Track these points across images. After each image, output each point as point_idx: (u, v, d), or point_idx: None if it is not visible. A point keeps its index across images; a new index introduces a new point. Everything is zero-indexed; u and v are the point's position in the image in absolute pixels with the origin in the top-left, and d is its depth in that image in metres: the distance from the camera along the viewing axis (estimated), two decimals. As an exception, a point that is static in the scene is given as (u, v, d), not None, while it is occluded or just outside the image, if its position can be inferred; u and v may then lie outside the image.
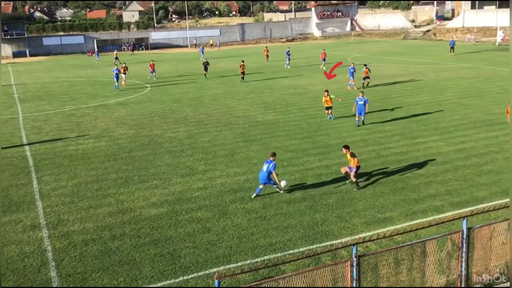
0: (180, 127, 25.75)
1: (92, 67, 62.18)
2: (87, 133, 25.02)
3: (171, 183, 17.07)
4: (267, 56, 58.47)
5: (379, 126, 24.10)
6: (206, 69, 45.07)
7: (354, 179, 15.88)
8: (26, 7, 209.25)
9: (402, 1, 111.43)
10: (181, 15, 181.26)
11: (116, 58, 63.70)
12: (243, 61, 43.22)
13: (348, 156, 16.09)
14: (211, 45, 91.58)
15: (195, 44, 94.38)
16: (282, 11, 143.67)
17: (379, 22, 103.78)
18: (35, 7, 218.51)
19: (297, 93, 35.09)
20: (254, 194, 15.46)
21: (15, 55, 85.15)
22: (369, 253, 8.98)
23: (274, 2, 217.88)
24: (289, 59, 51.29)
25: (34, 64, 70.95)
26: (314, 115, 27.26)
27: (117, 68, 40.88)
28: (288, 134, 23.32)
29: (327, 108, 25.85)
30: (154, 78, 45.42)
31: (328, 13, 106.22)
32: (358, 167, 15.89)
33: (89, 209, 14.93)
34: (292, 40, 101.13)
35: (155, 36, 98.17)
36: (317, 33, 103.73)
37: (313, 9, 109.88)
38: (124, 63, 44.71)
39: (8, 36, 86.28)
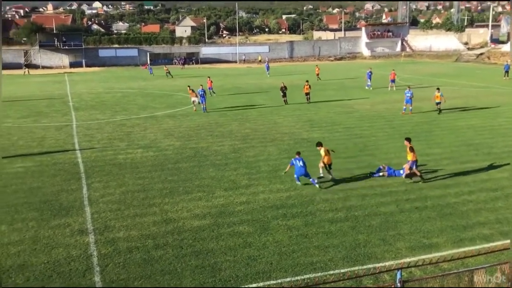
0: (226, 140, 26.04)
1: (144, 79, 64.03)
2: (136, 143, 25.71)
3: (214, 196, 17.25)
4: (318, 74, 57.54)
5: (427, 149, 23.53)
6: (285, 95, 38.65)
7: (418, 173, 17.96)
8: (85, 20, 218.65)
9: (455, 23, 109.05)
10: (231, 31, 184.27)
11: (168, 72, 65.43)
12: (307, 81, 40.10)
13: (408, 149, 18.06)
14: (259, 61, 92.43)
15: (244, 60, 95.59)
16: (331, 30, 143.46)
17: (431, 43, 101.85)
18: (93, 19, 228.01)
19: (344, 112, 34.83)
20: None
21: (72, 65, 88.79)
22: (414, 279, 8.75)
23: (324, 20, 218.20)
24: (370, 79, 47.69)
25: (90, 74, 73.78)
26: (360, 135, 26.95)
27: (202, 89, 36.03)
28: (332, 153, 23.10)
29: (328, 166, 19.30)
30: (214, 94, 44.72)
31: (379, 32, 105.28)
32: (415, 161, 17.89)
33: (135, 217, 15.29)
34: (341, 58, 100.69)
35: (206, 51, 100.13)
36: (366, 52, 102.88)
37: (363, 28, 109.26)
38: (189, 86, 39.27)
39: (66, 47, 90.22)
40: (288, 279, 11.42)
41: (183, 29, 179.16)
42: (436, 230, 14.14)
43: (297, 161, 18.06)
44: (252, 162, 21.72)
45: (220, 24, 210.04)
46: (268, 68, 67.26)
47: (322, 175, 19.00)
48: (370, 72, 48.32)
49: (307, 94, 39.13)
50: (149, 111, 36.66)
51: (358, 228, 14.28)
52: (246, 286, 11.14)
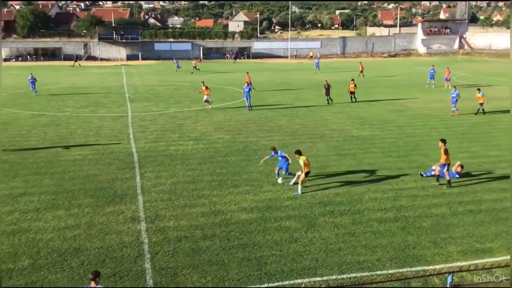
0: (275, 135, 26.11)
1: (196, 73, 65.04)
2: (187, 135, 26.23)
3: (262, 190, 17.37)
4: (362, 71, 56.34)
5: (484, 151, 22.69)
6: (328, 92, 36.91)
7: (447, 177, 17.51)
8: (142, 14, 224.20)
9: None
10: (284, 26, 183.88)
11: (195, 67, 65.89)
12: (353, 79, 38.90)
13: (442, 151, 17.62)
14: (311, 57, 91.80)
15: (295, 55, 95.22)
16: (386, 26, 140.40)
17: (491, 41, 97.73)
18: (149, 14, 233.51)
19: (396, 110, 34.09)
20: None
21: (129, 57, 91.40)
22: (465, 284, 8.51)
23: (379, 16, 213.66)
24: (433, 77, 45.97)
25: (145, 67, 75.74)
26: (412, 134, 26.31)
27: (248, 85, 35.48)
28: (383, 151, 22.75)
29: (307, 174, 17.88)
30: (253, 90, 44.83)
31: (436, 29, 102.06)
32: (448, 165, 17.47)
33: (184, 207, 15.64)
34: (395, 55, 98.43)
35: (257, 46, 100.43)
36: (421, 49, 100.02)
37: (419, 24, 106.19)
38: (203, 82, 37.38)
39: (124, 40, 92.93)
40: (334, 276, 11.38)
41: (236, 24, 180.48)
42: (491, 234, 13.65)
43: (277, 155, 18.30)
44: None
45: (273, 19, 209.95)
46: (317, 64, 66.37)
47: (299, 192, 16.97)
48: (433, 69, 46.97)
49: (351, 93, 37.60)
50: (201, 104, 37.21)
51: (407, 229, 14.00)
52: (291, 281, 11.18)
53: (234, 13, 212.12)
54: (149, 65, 79.65)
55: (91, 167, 19.94)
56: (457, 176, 18.31)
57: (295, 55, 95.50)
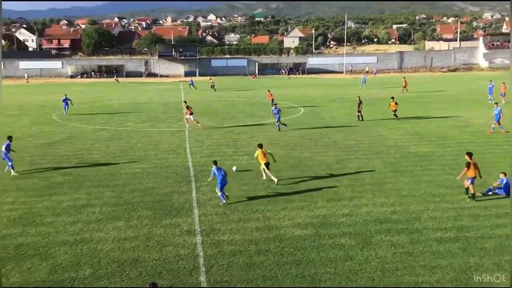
0: (330, 151, 25.90)
1: (251, 88, 65.82)
2: (242, 150, 26.51)
3: (316, 206, 17.24)
4: (405, 87, 54.57)
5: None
6: (359, 109, 35.92)
7: (472, 190, 17.46)
8: (200, 31, 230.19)
9: None
10: (339, 41, 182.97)
11: (212, 86, 63.14)
12: (393, 97, 36.99)
13: (471, 165, 17.48)
14: (367, 72, 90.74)
15: (351, 71, 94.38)
16: (445, 40, 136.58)
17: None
18: (207, 31, 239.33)
19: (456, 126, 32.95)
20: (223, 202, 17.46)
21: (187, 74, 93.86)
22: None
23: (438, 30, 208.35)
24: (491, 92, 44.64)
25: (202, 83, 77.47)
26: (474, 151, 25.23)
27: (276, 108, 32.96)
28: (443, 168, 22.02)
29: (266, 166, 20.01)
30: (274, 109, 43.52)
31: (498, 43, 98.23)
32: (473, 178, 17.41)
33: (239, 222, 15.78)
34: (455, 70, 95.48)
35: (312, 61, 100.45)
36: (483, 63, 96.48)
37: (481, 38, 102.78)
38: (185, 101, 37.61)
39: (182, 57, 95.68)
40: (391, 297, 11.07)
41: (291, 40, 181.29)
42: (561, 259, 12.84)
43: (219, 170, 17.53)
44: (356, 174, 21.36)
45: (328, 34, 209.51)
46: (364, 80, 64.76)
47: (265, 178, 20.21)
48: (492, 84, 45.37)
49: (394, 111, 35.81)
50: (256, 119, 37.59)
51: (469, 250, 13.43)
52: (346, 300, 10.98)
53: (289, 29, 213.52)
54: (206, 81, 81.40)
55: (150, 180, 20.54)
56: (494, 192, 18.09)
57: (351, 71, 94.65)
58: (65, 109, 41.22)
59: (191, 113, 33.41)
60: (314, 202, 17.60)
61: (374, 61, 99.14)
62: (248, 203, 17.64)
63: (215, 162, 17.99)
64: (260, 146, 20.34)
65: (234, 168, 21.60)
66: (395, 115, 36.05)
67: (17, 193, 18.87)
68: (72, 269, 12.57)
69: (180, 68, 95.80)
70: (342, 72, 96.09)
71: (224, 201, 17.49)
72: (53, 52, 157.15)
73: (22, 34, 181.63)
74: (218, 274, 12.26)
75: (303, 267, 12.58)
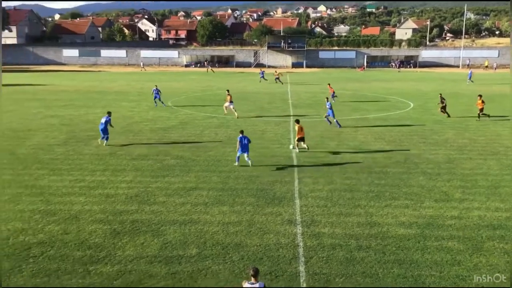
0: (440, 149, 24.65)
1: (358, 81, 64.47)
2: (346, 143, 26.18)
3: (423, 205, 16.56)
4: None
5: None
6: (443, 107, 34.45)
7: None
8: (309, 23, 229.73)
9: None
10: (456, 33, 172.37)
11: (262, 75, 60.77)
12: (480, 95, 33.35)
13: None
14: (486, 66, 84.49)
15: (468, 65, 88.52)
16: None
17: None
18: (316, 22, 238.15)
19: None
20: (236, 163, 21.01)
21: (294, 65, 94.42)
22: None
23: None
24: None
25: (309, 74, 77.47)
26: None
27: (329, 103, 31.83)
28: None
29: (299, 140, 23.64)
30: (336, 98, 42.62)
31: None
32: None
33: (340, 215, 15.67)
34: None
35: (425, 54, 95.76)
36: None
37: None
38: (228, 90, 38.08)
39: (291, 48, 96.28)
40: (501, 308, 10.38)
41: (404, 32, 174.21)
42: None
43: (243, 139, 20.80)
44: (468, 175, 20.13)
45: (444, 26, 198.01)
46: (470, 75, 60.29)
47: (292, 147, 24.28)
48: None
49: (480, 110, 32.82)
50: (361, 113, 36.84)
51: None
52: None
53: (402, 21, 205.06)
54: (313, 73, 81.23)
55: (254, 169, 21.07)
56: None
57: (468, 65, 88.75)
58: (155, 101, 40.03)
59: (231, 101, 34.98)
60: (421, 202, 16.92)
61: (495, 55, 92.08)
62: (350, 197, 17.44)
63: (241, 132, 21.34)
64: (297, 121, 23.85)
65: (291, 147, 24.56)
66: (483, 114, 33.02)
67: (134, 173, 20.42)
68: (180, 247, 13.38)
69: (288, 59, 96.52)
70: (458, 66, 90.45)
71: (237, 163, 21.29)
72: (171, 42, 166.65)
73: (144, 25, 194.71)
74: (317, 266, 12.32)
75: (405, 267, 12.20)
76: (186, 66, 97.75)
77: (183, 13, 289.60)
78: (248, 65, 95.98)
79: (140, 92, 50.97)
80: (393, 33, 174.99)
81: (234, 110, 34.93)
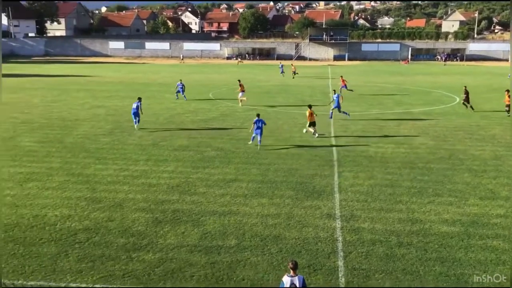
0: (486, 145, 23.89)
1: (401, 74, 63.15)
2: (388, 138, 25.72)
3: (467, 203, 16.11)
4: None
5: None
6: (466, 99, 34.09)
7: None
8: (352, 15, 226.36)
9: None
10: (506, 26, 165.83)
11: (281, 69, 58.72)
12: (508, 90, 32.27)
13: None
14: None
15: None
16: None
17: None
18: (359, 14, 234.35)
19: None
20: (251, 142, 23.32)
21: (336, 58, 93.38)
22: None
23: None
24: None
25: (350, 67, 76.45)
26: None
27: (336, 95, 31.58)
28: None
29: (310, 125, 25.81)
30: (352, 91, 42.16)
31: None
32: None
33: (380, 211, 15.46)
34: None
35: (473, 47, 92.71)
36: None
37: None
38: (239, 80, 38.80)
39: (333, 41, 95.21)
40: (548, 311, 10.02)
41: (450, 24, 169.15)
42: None
43: (258, 122, 22.93)
44: (517, 173, 19.43)
45: (493, 18, 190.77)
46: None
47: (305, 131, 26.24)
48: None
49: (507, 106, 31.82)
50: (405, 107, 36.09)
51: None
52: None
53: (449, 12, 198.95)
54: (354, 66, 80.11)
55: (294, 161, 21.05)
56: None
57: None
58: (177, 94, 39.92)
59: (243, 91, 36.48)
60: (465, 199, 16.47)
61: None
62: (391, 192, 17.17)
63: (257, 115, 23.43)
64: (310, 106, 25.76)
65: (304, 130, 26.47)
66: (507, 110, 31.92)
67: (176, 163, 20.79)
68: (219, 237, 13.56)
69: (329, 52, 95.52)
70: (507, 60, 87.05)
71: (250, 142, 23.66)
72: (213, 34, 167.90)
73: (187, 17, 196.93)
74: (356, 261, 12.22)
75: (448, 265, 11.93)
76: (228, 58, 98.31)
77: (225, 6, 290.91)
78: (289, 57, 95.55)
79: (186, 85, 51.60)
80: (440, 25, 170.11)
81: (241, 99, 36.36)
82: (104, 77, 59.28)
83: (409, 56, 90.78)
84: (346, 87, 42.38)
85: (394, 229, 14.05)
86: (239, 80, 38.68)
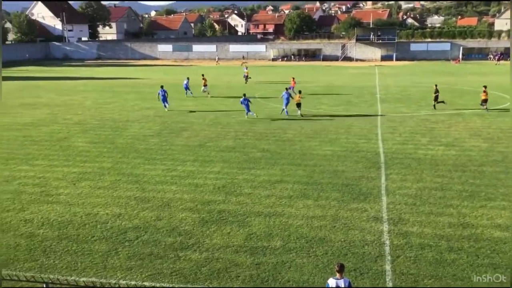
0: (544, 149, 22.81)
1: (453, 74, 61.28)
2: (438, 139, 25.04)
3: (523, 208, 15.46)
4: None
5: None
6: (436, 98, 34.69)
7: None
8: (400, 14, 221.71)
9: None
10: None
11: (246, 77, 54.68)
12: (485, 86, 33.50)
13: None
14: None
15: None
16: None
17: None
18: (408, 13, 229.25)
19: None
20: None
21: (383, 58, 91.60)
22: None
23: None
24: None
25: (399, 68, 74.85)
26: None
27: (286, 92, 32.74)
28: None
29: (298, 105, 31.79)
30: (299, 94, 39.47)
31: None
32: None
33: (430, 215, 15.07)
34: None
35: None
36: None
37: None
38: (202, 74, 43.37)
39: (380, 41, 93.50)
40: None
41: (504, 22, 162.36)
42: None
43: (244, 100, 30.13)
44: None
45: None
46: None
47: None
48: None
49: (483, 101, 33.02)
50: (455, 107, 35.00)
51: None
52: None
53: (502, 10, 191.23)
54: (403, 66, 78.39)
55: (340, 163, 20.85)
56: None
57: None
58: (186, 91, 42.87)
59: (205, 85, 42.31)
60: (520, 204, 15.82)
61: None
62: (441, 196, 16.71)
63: (244, 95, 30.09)
64: (300, 92, 32.05)
65: (298, 112, 31.59)
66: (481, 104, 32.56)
67: (222, 164, 21.03)
68: (265, 238, 13.61)
69: (376, 52, 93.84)
70: None
71: (246, 117, 30.38)
72: (259, 36, 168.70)
73: (233, 20, 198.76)
74: (405, 265, 11.97)
75: (500, 272, 11.50)
76: (273, 59, 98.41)
77: (271, 8, 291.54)
78: (336, 58, 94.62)
79: (228, 86, 52.15)
80: (492, 24, 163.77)
81: (207, 92, 42.45)
82: (153, 80, 60.65)
83: (460, 56, 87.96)
84: (293, 88, 40.01)
85: (444, 234, 13.67)
86: (202, 75, 44.36)
